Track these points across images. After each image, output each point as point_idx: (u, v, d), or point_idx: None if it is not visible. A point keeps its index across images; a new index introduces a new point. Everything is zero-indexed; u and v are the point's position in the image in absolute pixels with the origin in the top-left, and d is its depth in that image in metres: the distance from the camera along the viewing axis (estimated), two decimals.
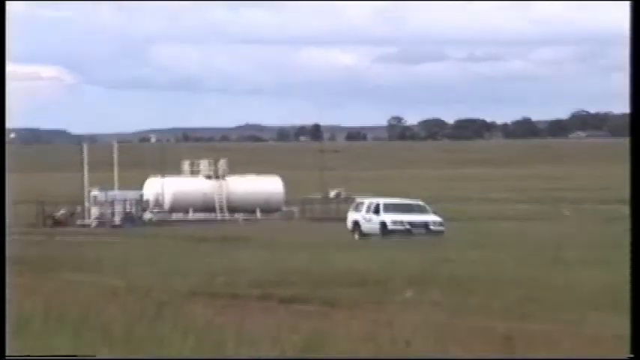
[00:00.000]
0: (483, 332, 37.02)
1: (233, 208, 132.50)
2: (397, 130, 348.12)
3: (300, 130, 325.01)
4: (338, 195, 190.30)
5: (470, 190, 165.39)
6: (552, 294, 57.68)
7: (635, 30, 12.64)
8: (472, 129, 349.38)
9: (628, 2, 13.13)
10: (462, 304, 51.78)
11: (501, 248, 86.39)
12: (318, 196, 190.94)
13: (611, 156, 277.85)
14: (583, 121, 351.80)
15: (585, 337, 36.75)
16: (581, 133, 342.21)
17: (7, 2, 10.72)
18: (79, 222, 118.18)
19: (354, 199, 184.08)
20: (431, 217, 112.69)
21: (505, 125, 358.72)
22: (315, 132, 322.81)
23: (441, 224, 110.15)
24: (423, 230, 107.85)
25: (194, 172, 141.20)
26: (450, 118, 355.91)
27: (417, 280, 61.12)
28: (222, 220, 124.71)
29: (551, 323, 42.78)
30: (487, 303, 52.11)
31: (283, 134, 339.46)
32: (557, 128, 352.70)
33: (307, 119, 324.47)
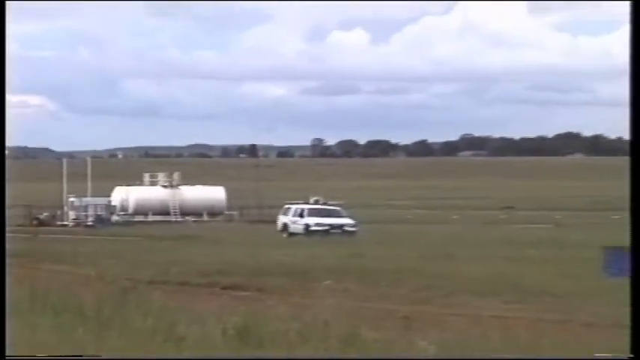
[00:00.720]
0: (387, 314, 37.60)
1: (184, 212, 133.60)
2: (318, 149, 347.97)
3: (240, 149, 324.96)
4: (317, 202, 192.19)
5: (377, 198, 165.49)
6: (443, 283, 58.16)
7: (635, 30, 12.39)
8: (379, 148, 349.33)
9: (628, 2, 12.68)
10: (370, 291, 52.29)
11: (402, 245, 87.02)
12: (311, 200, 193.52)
13: (491, 171, 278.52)
14: (469, 143, 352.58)
15: (468, 317, 37.24)
16: (468, 153, 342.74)
17: (7, 2, 13.11)
18: (59, 223, 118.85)
19: (327, 203, 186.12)
20: (345, 220, 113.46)
21: (406, 146, 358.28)
22: (252, 150, 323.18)
23: (353, 226, 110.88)
24: (339, 231, 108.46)
25: (153, 183, 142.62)
26: (362, 140, 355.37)
27: (333, 271, 61.62)
28: (176, 222, 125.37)
29: (442, 307, 43.24)
30: (391, 290, 52.64)
31: (226, 152, 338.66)
32: (449, 148, 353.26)
33: (246, 140, 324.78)
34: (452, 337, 27.58)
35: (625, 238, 69.55)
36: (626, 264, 64.97)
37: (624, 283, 57.82)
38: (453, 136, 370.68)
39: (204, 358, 17.74)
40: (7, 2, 12.21)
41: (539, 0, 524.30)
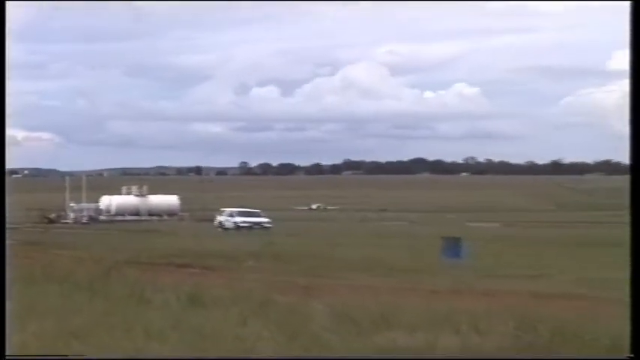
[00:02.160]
0: (292, 285, 37.53)
1: (150, 213, 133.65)
2: (245, 170, 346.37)
3: (189, 169, 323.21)
4: (319, 207, 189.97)
5: (287, 203, 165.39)
6: (332, 263, 58.12)
7: (635, 30, 10.61)
8: (288, 169, 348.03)
9: (628, 3, 10.91)
10: (280, 268, 52.19)
11: (304, 236, 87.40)
12: (304, 207, 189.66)
13: (366, 185, 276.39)
14: (349, 165, 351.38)
15: (349, 286, 37.21)
16: (349, 172, 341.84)
17: (7, 2, 11.41)
18: (63, 221, 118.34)
19: (327, 208, 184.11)
20: (263, 219, 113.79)
21: (306, 167, 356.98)
22: (197, 170, 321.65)
23: (269, 223, 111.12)
24: (259, 227, 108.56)
25: (128, 193, 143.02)
26: (275, 163, 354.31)
27: (254, 255, 61.66)
28: (144, 220, 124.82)
29: (331, 279, 43.24)
30: (294, 268, 52.58)
31: (180, 172, 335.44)
32: (335, 169, 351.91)
33: (193, 163, 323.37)
34: (338, 300, 27.46)
35: (456, 231, 69.35)
36: (458, 250, 65.33)
37: (457, 263, 58.28)
38: (338, 160, 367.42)
39: (204, 358, 14.28)
40: (6, 2, 10.42)
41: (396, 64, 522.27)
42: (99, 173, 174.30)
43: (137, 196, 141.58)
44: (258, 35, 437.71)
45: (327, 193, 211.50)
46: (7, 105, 7.20)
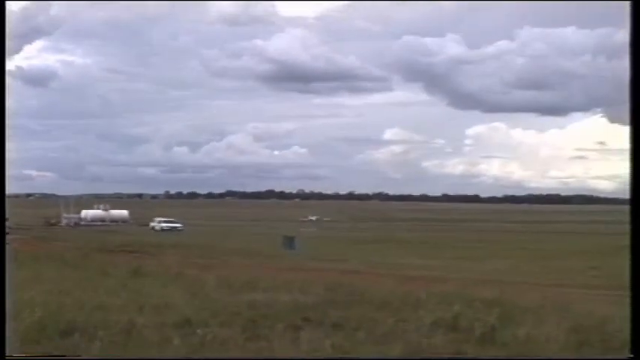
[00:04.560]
0: (197, 264, 37.06)
1: (112, 221, 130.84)
2: (167, 195, 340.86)
3: (135, 195, 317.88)
4: (317, 219, 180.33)
5: (192, 215, 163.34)
6: (221, 251, 57.81)
7: (635, 30, 8.12)
8: (193, 195, 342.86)
9: (628, 2, 8.34)
10: (190, 254, 51.59)
11: (205, 236, 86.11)
12: (313, 218, 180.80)
13: (237, 205, 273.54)
14: (230, 193, 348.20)
15: (233, 266, 36.91)
16: (230, 197, 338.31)
17: (7, 2, 7.68)
18: (59, 225, 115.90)
19: (324, 220, 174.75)
20: (178, 224, 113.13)
21: (204, 194, 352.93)
22: (139, 195, 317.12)
23: (182, 227, 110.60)
24: (175, 229, 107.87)
25: (98, 208, 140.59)
26: (185, 191, 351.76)
27: (173, 246, 61.02)
28: (108, 225, 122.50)
29: (221, 261, 42.84)
30: (198, 253, 52.03)
31: (129, 196, 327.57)
32: (222, 196, 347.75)
33: (137, 191, 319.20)
34: (222, 273, 27.34)
35: (292, 232, 67.92)
36: (292, 244, 64.48)
37: (293, 252, 57.56)
38: (223, 190, 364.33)
39: (204, 358, 12.50)
40: (6, 2, 6.91)
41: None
42: (80, 197, 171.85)
43: (103, 210, 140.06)
44: (177, 116, 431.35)
45: (218, 210, 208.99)
46: (6, 105, 6.38)
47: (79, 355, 11.63)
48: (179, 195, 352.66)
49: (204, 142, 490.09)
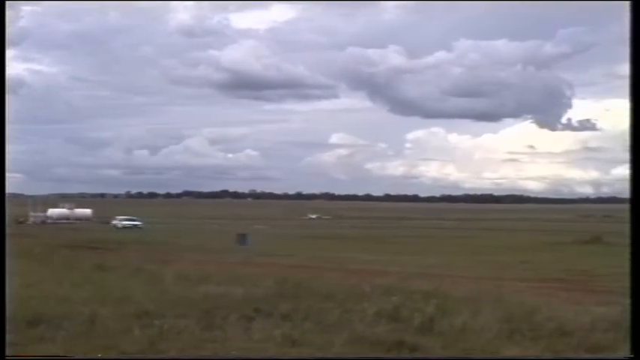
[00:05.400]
0: (154, 259, 36.69)
1: (76, 219, 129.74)
2: (129, 195, 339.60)
3: (98, 194, 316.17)
4: (318, 217, 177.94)
5: (151, 213, 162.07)
6: (178, 247, 57.46)
7: (635, 30, 7.97)
8: (152, 195, 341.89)
9: (628, 2, 8.18)
10: (148, 250, 51.18)
11: (164, 233, 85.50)
12: (313, 216, 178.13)
13: (193, 204, 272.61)
14: (187, 193, 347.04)
15: (190, 260, 36.53)
16: (187, 197, 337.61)
17: (7, 2, 7.26)
18: (27, 222, 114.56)
19: (328, 218, 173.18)
20: (138, 222, 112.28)
21: (162, 194, 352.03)
22: (102, 195, 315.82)
23: (142, 225, 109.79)
24: (136, 227, 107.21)
25: (63, 207, 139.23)
26: (145, 191, 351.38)
27: (133, 242, 60.64)
28: (72, 223, 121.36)
29: (177, 256, 42.18)
30: (157, 249, 51.58)
31: (93, 196, 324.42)
32: (179, 195, 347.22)
33: (101, 191, 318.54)
34: (179, 267, 27.10)
35: (245, 229, 67.77)
36: (245, 240, 64.25)
37: (245, 248, 57.37)
38: (180, 190, 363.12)
39: (204, 357, 12.19)
40: (6, 2, 6.55)
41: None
42: (46, 197, 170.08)
43: (68, 209, 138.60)
44: (138, 121, 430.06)
45: (176, 209, 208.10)
46: (7, 105, 6.17)
47: (78, 355, 11.60)
48: (139, 195, 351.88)
49: (163, 146, 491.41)
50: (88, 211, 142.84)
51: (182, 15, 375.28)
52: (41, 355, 11.66)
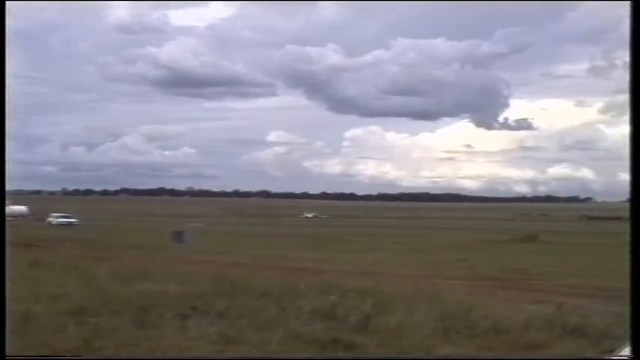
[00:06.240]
0: (89, 256, 36.30)
1: (11, 216, 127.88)
2: (66, 192, 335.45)
3: (34, 192, 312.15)
4: (314, 216, 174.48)
5: (89, 211, 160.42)
6: (115, 245, 57.04)
7: (635, 30, 6.90)
8: (89, 192, 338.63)
9: (628, 2, 7.16)
10: (83, 247, 50.63)
11: (96, 230, 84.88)
12: (309, 215, 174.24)
13: (130, 201, 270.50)
14: (124, 190, 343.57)
15: (123, 257, 36.28)
16: (123, 194, 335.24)
17: (7, 2, 6.72)
18: None
19: (324, 217, 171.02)
20: (74, 219, 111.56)
21: (99, 191, 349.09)
22: (37, 192, 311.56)
23: (78, 222, 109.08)
24: (72, 224, 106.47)
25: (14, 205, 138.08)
26: (82, 188, 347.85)
27: (70, 239, 59.85)
28: (8, 220, 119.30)
29: (112, 254, 41.88)
30: (92, 247, 51.17)
31: (29, 193, 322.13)
32: (116, 193, 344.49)
33: (36, 188, 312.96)
34: (115, 265, 26.74)
35: (181, 227, 67.43)
36: (182, 237, 63.86)
37: (182, 245, 56.90)
38: (118, 187, 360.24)
39: (204, 357, 11.98)
40: (7, 2, 6.20)
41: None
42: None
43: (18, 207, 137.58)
44: (75, 118, 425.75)
45: (113, 206, 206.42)
46: (6, 106, 6.02)
47: (79, 356, 11.51)
48: (76, 192, 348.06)
49: (100, 143, 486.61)
50: (23, 208, 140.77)
51: (120, 11, 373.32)
52: (41, 355, 11.48)
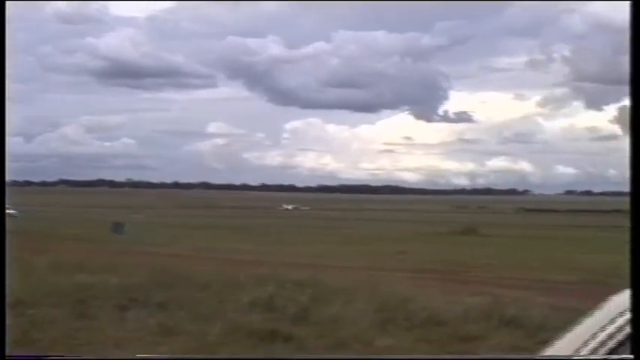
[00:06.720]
0: (29, 248, 35.67)
1: None
2: (26, 184, 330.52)
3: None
4: (295, 208, 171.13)
5: (30, 201, 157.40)
6: (57, 236, 56.34)
7: (635, 30, 6.55)
8: (28, 183, 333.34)
9: (628, 2, 6.84)
10: (24, 239, 49.52)
11: (40, 222, 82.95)
12: (289, 207, 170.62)
13: (66, 192, 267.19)
14: (63, 181, 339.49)
15: (63, 249, 35.81)
16: (63, 185, 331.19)
17: (7, 2, 6.05)
18: None
19: (300, 208, 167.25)
20: (13, 211, 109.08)
21: (44, 181, 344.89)
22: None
23: (15, 214, 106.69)
24: (9, 215, 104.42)
25: None
26: (37, 179, 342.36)
27: (8, 231, 58.73)
28: None
29: (54, 245, 41.23)
30: (33, 238, 50.30)
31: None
32: (55, 184, 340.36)
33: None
34: (55, 256, 26.43)
35: (122, 218, 66.50)
36: (122, 229, 63.16)
37: (121, 237, 56.19)
38: (56, 179, 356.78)
39: (204, 357, 11.58)
40: (7, 2, 5.69)
41: None
42: None
43: None
44: (12, 108, 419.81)
45: (51, 197, 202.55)
46: (6, 105, 5.85)
47: (79, 356, 11.24)
48: (14, 183, 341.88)
49: (38, 133, 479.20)
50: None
51: (59, 2, 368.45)
52: (41, 355, 11.30)
